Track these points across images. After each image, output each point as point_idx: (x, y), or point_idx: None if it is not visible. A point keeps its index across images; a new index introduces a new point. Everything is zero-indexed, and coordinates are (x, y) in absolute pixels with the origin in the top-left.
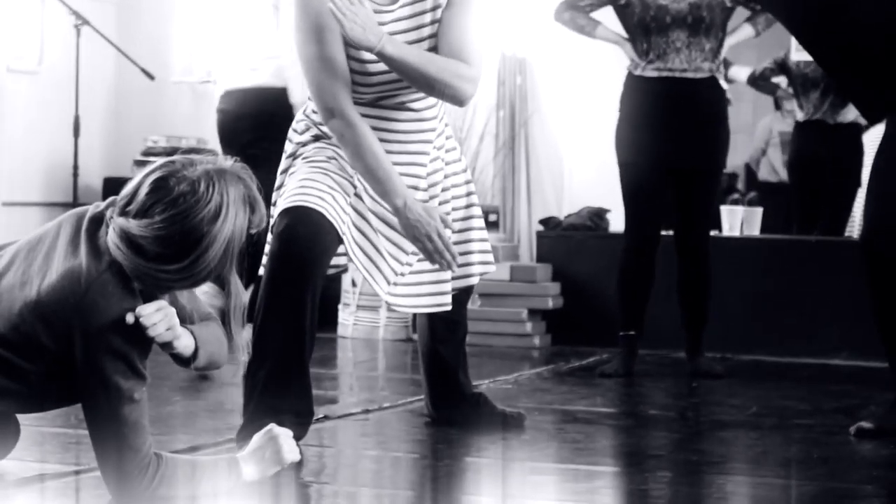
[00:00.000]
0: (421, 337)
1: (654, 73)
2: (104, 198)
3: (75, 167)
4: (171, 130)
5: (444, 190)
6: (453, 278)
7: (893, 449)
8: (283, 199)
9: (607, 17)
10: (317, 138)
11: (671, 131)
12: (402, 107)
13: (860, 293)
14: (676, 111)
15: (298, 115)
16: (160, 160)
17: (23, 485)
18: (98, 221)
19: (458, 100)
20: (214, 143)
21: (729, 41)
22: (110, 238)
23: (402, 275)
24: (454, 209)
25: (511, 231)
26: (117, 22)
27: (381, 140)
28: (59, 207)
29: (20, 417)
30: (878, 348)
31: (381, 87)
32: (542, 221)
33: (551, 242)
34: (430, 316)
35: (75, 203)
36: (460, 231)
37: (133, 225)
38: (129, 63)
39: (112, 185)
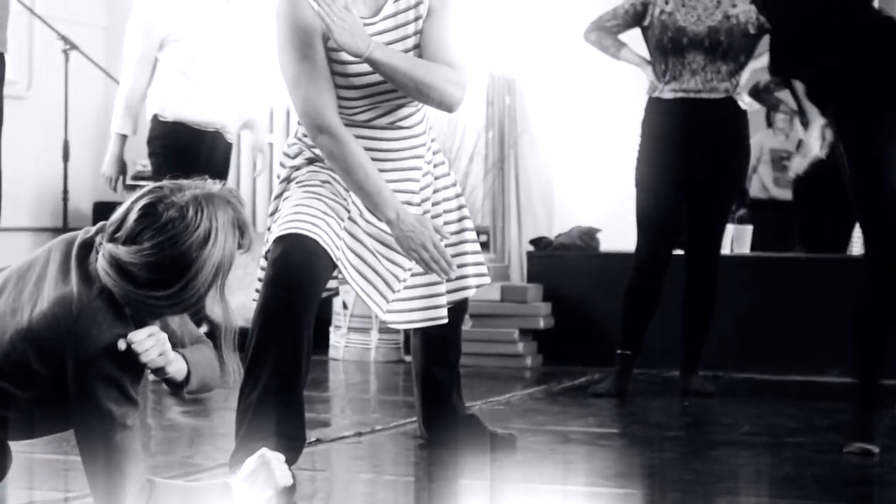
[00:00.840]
0: (415, 358)
1: (671, 95)
2: (94, 222)
3: (65, 192)
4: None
5: (434, 204)
6: (449, 291)
7: (885, 467)
8: (278, 225)
9: (633, 39)
10: (310, 161)
11: (686, 148)
12: (392, 126)
13: (851, 310)
14: (691, 129)
15: (290, 140)
16: (148, 185)
17: None
18: (88, 247)
19: (446, 104)
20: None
21: (754, 65)
22: (100, 264)
23: (398, 291)
24: (446, 223)
25: (501, 251)
26: (106, 46)
27: (374, 159)
28: (49, 232)
29: (11, 444)
30: None
31: (369, 101)
32: (532, 241)
33: (542, 262)
34: (425, 337)
35: (65, 228)
36: (454, 244)
37: (122, 251)
38: (118, 87)
39: (102, 210)
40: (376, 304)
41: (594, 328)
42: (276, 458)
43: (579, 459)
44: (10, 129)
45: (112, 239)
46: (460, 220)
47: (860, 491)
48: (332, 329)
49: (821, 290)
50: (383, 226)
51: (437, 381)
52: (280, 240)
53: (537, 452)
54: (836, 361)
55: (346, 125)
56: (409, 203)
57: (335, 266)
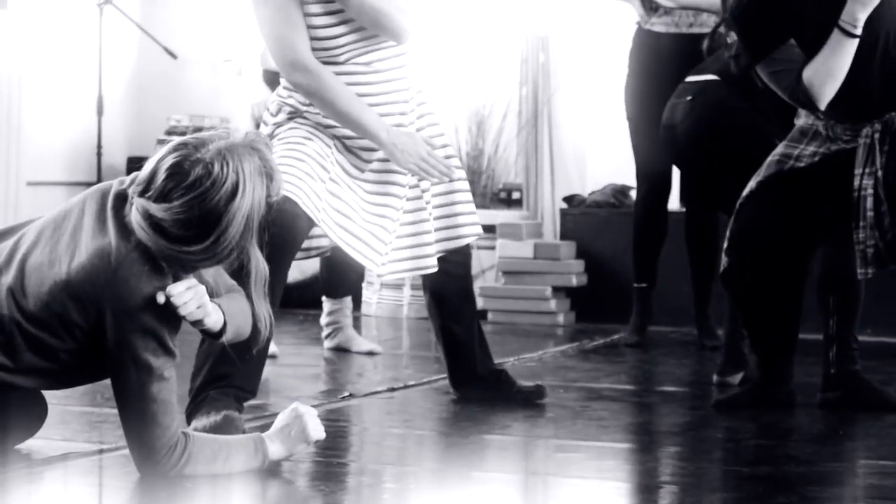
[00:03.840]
0: (431, 317)
1: (663, 29)
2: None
3: (99, 146)
4: (194, 109)
5: None
6: (439, 241)
7: None
8: None
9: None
10: (291, 117)
11: (673, 83)
12: (370, 67)
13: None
14: (683, 65)
15: (271, 98)
16: (173, 141)
17: (49, 463)
18: (123, 198)
19: (396, 31)
20: (236, 120)
21: None
22: (134, 218)
23: (390, 243)
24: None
25: (534, 209)
26: (140, 1)
27: (358, 94)
28: (83, 187)
29: (47, 395)
30: None
31: (346, 38)
32: (565, 199)
33: (575, 220)
34: (435, 294)
35: (99, 182)
36: (445, 193)
37: (154, 208)
38: (152, 42)
39: (135, 165)
40: (370, 260)
41: (627, 286)
42: (309, 412)
43: (611, 416)
44: (45, 83)
45: (143, 195)
46: (456, 176)
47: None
48: (364, 285)
49: None
50: (366, 177)
51: (456, 338)
52: None
53: (569, 409)
54: (868, 321)
55: (326, 64)
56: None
57: (313, 225)
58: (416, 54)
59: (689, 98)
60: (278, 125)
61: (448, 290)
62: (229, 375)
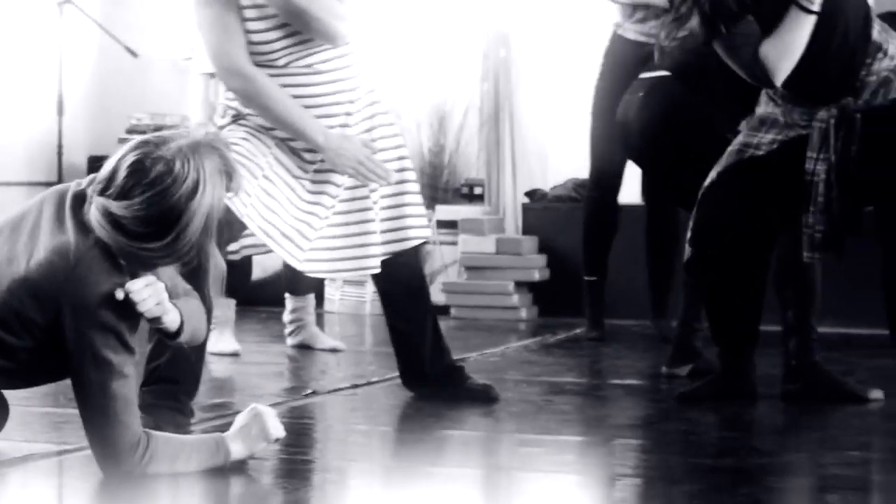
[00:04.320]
0: (384, 314)
1: (633, 36)
2: (90, 173)
3: (59, 146)
4: (156, 108)
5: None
6: (386, 242)
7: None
8: None
9: None
10: (234, 119)
11: None
12: (311, 69)
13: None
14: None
15: (220, 101)
16: (134, 139)
17: (10, 465)
18: (81, 199)
19: (330, 35)
20: (197, 119)
21: None
22: (93, 216)
23: (313, 240)
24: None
25: (496, 204)
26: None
27: (298, 99)
28: (44, 186)
29: (8, 397)
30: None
31: (283, 42)
32: (527, 194)
33: (537, 214)
34: (384, 292)
35: (60, 181)
36: (394, 195)
37: (114, 206)
38: (113, 41)
39: (97, 164)
40: (290, 254)
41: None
42: (268, 412)
43: (574, 410)
44: (3, 82)
45: (103, 194)
46: (401, 170)
47: (858, 441)
48: (326, 282)
49: None
50: (308, 177)
51: (404, 336)
52: None
53: (532, 403)
54: (828, 311)
55: (266, 71)
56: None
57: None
58: (363, 54)
59: (641, 94)
60: (221, 128)
61: (396, 289)
62: (175, 378)
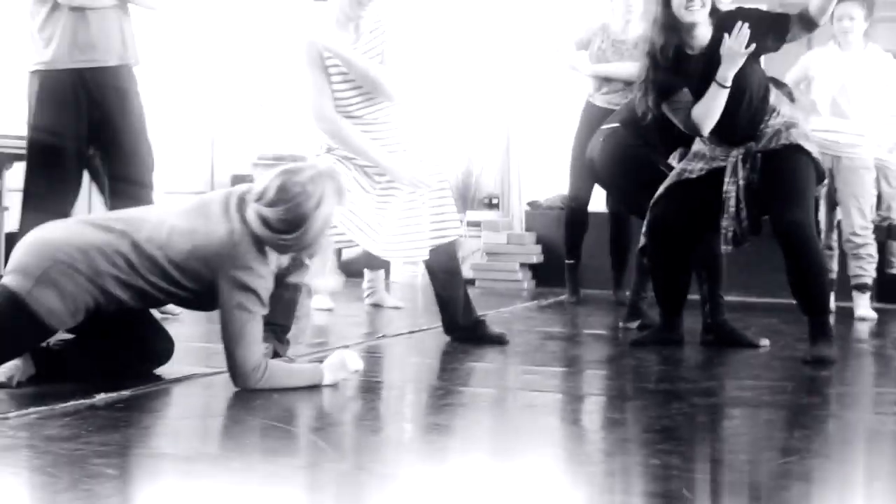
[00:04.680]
0: (431, 284)
1: (600, 103)
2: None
3: (212, 166)
4: (276, 143)
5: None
6: (432, 238)
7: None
8: None
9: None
10: (327, 151)
11: None
12: (371, 119)
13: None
14: None
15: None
16: (281, 167)
17: (176, 383)
18: (242, 200)
19: (388, 94)
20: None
21: None
22: (250, 216)
23: (380, 234)
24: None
25: (507, 210)
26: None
27: (369, 135)
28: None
29: (174, 335)
30: (752, 288)
31: (358, 99)
32: (529, 203)
33: (535, 218)
34: (430, 270)
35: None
36: (436, 205)
37: (266, 211)
38: (248, 94)
39: (238, 180)
40: (370, 245)
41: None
42: (349, 353)
43: (559, 350)
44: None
45: (258, 201)
46: (441, 188)
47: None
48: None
49: None
50: (375, 192)
51: (444, 300)
52: None
53: (531, 345)
54: (734, 286)
55: (346, 119)
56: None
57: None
58: (408, 111)
59: (601, 139)
60: (317, 155)
61: (439, 269)
62: (277, 322)
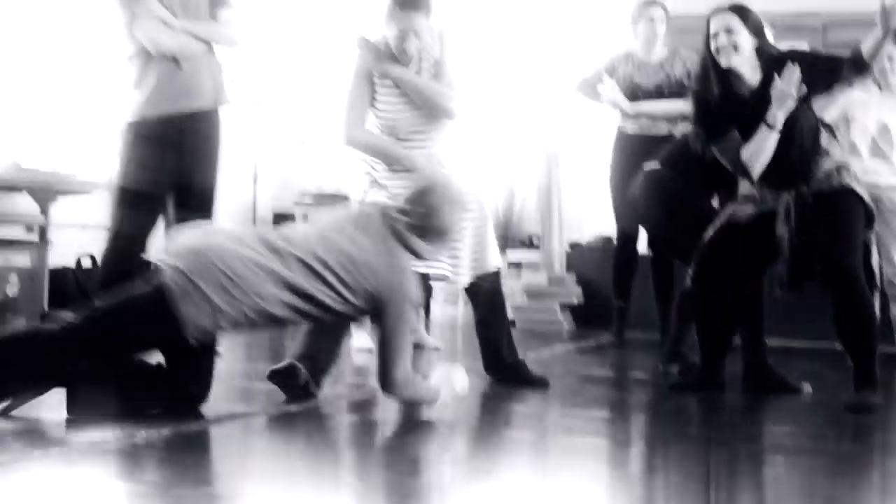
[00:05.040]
0: (475, 321)
1: (631, 131)
2: (274, 225)
3: (254, 203)
4: (320, 180)
5: None
6: (472, 268)
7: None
8: None
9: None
10: (371, 185)
11: (637, 170)
12: (416, 137)
13: None
14: (643, 152)
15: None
16: (419, 187)
17: (220, 422)
18: (389, 217)
19: (445, 111)
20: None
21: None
22: (401, 227)
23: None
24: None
25: (548, 251)
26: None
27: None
28: None
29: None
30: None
31: (409, 121)
32: (570, 245)
33: (576, 259)
34: (477, 306)
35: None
36: (477, 235)
37: (413, 222)
38: (291, 133)
39: (278, 217)
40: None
41: (610, 304)
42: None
43: (600, 395)
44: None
45: (404, 216)
46: (482, 223)
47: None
48: (431, 301)
49: None
50: None
51: (486, 338)
52: None
53: (571, 388)
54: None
55: (395, 138)
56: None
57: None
58: (461, 133)
59: (642, 179)
60: (365, 192)
61: (484, 306)
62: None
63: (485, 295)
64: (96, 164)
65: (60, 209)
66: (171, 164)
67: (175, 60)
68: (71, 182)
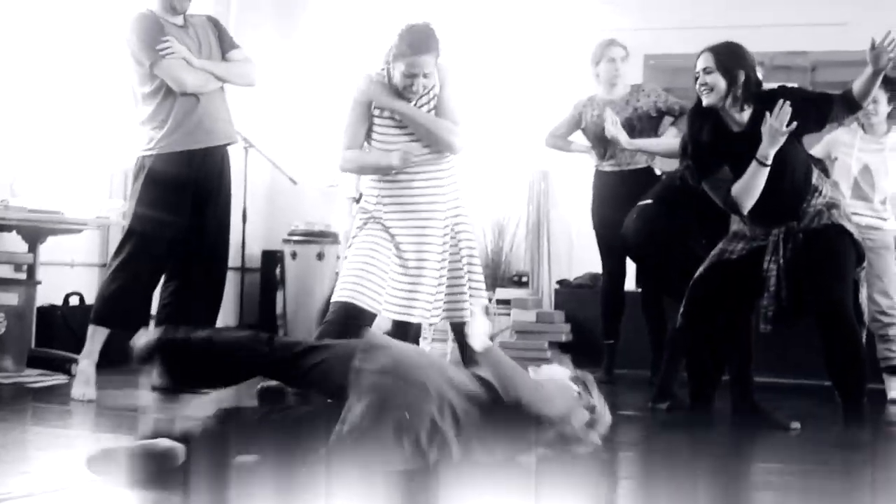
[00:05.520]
0: (461, 360)
1: (608, 168)
2: (262, 265)
3: (243, 242)
4: (308, 218)
5: (453, 243)
6: (446, 310)
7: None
8: (338, 284)
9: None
10: (365, 222)
11: (621, 203)
12: (420, 178)
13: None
14: (624, 190)
15: (363, 199)
16: None
17: None
18: None
19: (448, 146)
20: (336, 227)
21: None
22: None
23: (418, 300)
24: (454, 260)
25: (537, 288)
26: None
27: (407, 203)
28: (232, 271)
29: None
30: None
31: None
32: (558, 282)
33: (564, 296)
34: (464, 343)
35: (243, 267)
36: (452, 278)
37: None
38: (280, 172)
39: (268, 256)
40: (416, 317)
41: (598, 342)
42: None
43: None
44: None
45: None
46: (470, 256)
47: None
48: (421, 339)
49: None
50: (406, 259)
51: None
52: (333, 304)
53: None
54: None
55: (402, 173)
56: (431, 239)
57: (375, 315)
58: (453, 175)
59: (635, 216)
60: (359, 229)
61: (464, 343)
62: None
63: (463, 335)
64: (84, 202)
65: (48, 247)
66: (182, 202)
67: (196, 98)
68: (59, 221)
